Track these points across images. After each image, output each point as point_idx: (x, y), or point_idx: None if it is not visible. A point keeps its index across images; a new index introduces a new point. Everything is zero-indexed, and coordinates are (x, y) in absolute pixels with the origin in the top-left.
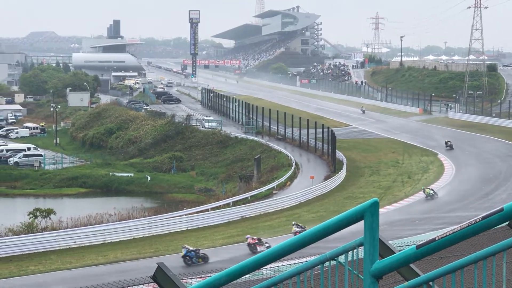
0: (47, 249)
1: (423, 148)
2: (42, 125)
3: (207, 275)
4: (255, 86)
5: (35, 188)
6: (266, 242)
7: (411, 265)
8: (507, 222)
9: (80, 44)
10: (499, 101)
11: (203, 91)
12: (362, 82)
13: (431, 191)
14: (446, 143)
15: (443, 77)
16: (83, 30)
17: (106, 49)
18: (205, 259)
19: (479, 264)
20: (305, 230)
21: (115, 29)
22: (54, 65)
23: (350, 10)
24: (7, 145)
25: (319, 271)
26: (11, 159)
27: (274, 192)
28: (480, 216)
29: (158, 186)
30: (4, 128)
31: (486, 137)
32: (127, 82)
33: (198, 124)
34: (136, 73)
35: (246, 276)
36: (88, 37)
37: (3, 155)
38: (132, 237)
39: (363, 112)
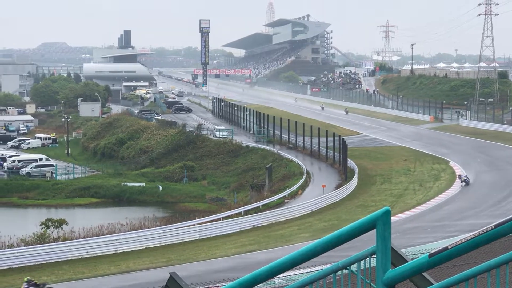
0: (59, 259)
1: (435, 156)
2: (54, 136)
3: (220, 285)
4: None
5: (47, 198)
6: None
7: (424, 274)
8: None
9: (91, 55)
10: (510, 108)
11: (214, 100)
12: (374, 91)
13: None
14: (459, 177)
15: (454, 85)
16: (94, 41)
17: (117, 59)
18: None
19: (492, 272)
20: None
21: (125, 39)
22: (65, 75)
23: (361, 19)
24: (19, 155)
25: (331, 280)
26: (23, 169)
27: (285, 201)
28: (493, 224)
29: (169, 196)
30: (16, 139)
31: (497, 145)
32: (138, 92)
33: (209, 134)
34: (147, 83)
35: (259, 285)
36: (99, 47)
37: (15, 165)
38: (144, 247)
39: None
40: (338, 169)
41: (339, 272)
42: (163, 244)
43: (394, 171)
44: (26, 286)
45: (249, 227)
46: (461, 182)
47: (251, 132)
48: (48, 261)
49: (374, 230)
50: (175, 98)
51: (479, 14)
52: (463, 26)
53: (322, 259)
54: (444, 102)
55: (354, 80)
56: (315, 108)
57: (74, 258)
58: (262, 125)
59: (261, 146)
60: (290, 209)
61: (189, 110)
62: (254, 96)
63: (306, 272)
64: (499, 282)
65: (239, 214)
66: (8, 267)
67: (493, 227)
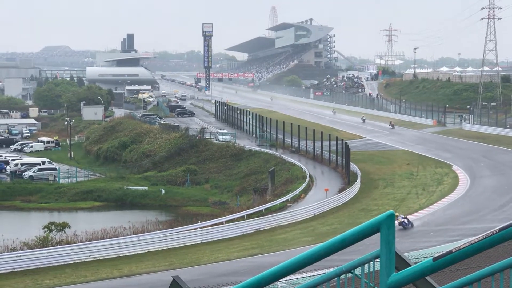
0: (62, 263)
1: (438, 160)
2: (56, 139)
3: None
4: None
5: (50, 202)
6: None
7: (427, 278)
8: None
9: (94, 58)
10: None
11: (217, 104)
12: (377, 95)
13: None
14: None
15: (457, 89)
16: (97, 44)
17: (120, 63)
18: None
19: (496, 277)
20: None
21: (128, 43)
22: (68, 79)
23: (363, 22)
24: (22, 159)
25: (335, 284)
26: (26, 173)
27: (288, 204)
28: (497, 228)
29: (172, 199)
30: (19, 142)
31: (500, 149)
32: (141, 96)
33: (212, 137)
34: (150, 87)
35: None
36: (102, 51)
37: (18, 169)
38: (146, 250)
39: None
40: (341, 173)
41: (343, 276)
42: (165, 248)
43: (397, 175)
44: None
45: (252, 231)
46: (398, 224)
47: (254, 135)
48: (50, 265)
49: (378, 233)
50: (178, 102)
51: (482, 18)
52: (466, 30)
53: (325, 263)
54: (447, 106)
55: (357, 84)
56: (355, 121)
57: (76, 261)
58: (265, 129)
59: (263, 150)
60: (293, 213)
61: (192, 114)
62: (284, 106)
63: (310, 276)
64: (503, 286)
65: (241, 218)
66: (11, 270)
67: (497, 231)
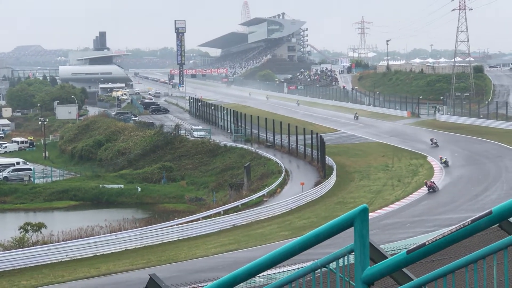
0: (39, 263)
1: (412, 151)
2: (31, 139)
3: (200, 285)
4: None
5: (25, 202)
6: None
7: (404, 270)
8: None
9: (67, 57)
10: (486, 102)
11: (191, 100)
12: (352, 89)
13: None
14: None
15: (430, 80)
16: (69, 43)
17: (93, 61)
18: None
19: (470, 267)
20: None
21: (101, 41)
22: (41, 78)
23: (336, 16)
24: None
25: (311, 278)
26: (0, 174)
27: (264, 199)
28: (470, 219)
29: (148, 197)
30: None
31: (474, 138)
32: (114, 94)
33: (187, 134)
34: (123, 85)
35: (240, 284)
36: (75, 49)
37: None
38: (123, 249)
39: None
40: (317, 167)
41: (318, 271)
42: (143, 246)
43: (372, 168)
44: None
45: (229, 227)
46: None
47: (229, 131)
48: (27, 265)
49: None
50: (152, 99)
51: (454, 9)
52: (438, 21)
53: (303, 257)
54: (421, 97)
55: (330, 77)
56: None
57: (53, 261)
58: (239, 124)
59: (239, 145)
60: (269, 207)
61: (166, 111)
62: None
63: (288, 270)
64: (477, 277)
65: (218, 214)
66: None
67: (470, 222)
